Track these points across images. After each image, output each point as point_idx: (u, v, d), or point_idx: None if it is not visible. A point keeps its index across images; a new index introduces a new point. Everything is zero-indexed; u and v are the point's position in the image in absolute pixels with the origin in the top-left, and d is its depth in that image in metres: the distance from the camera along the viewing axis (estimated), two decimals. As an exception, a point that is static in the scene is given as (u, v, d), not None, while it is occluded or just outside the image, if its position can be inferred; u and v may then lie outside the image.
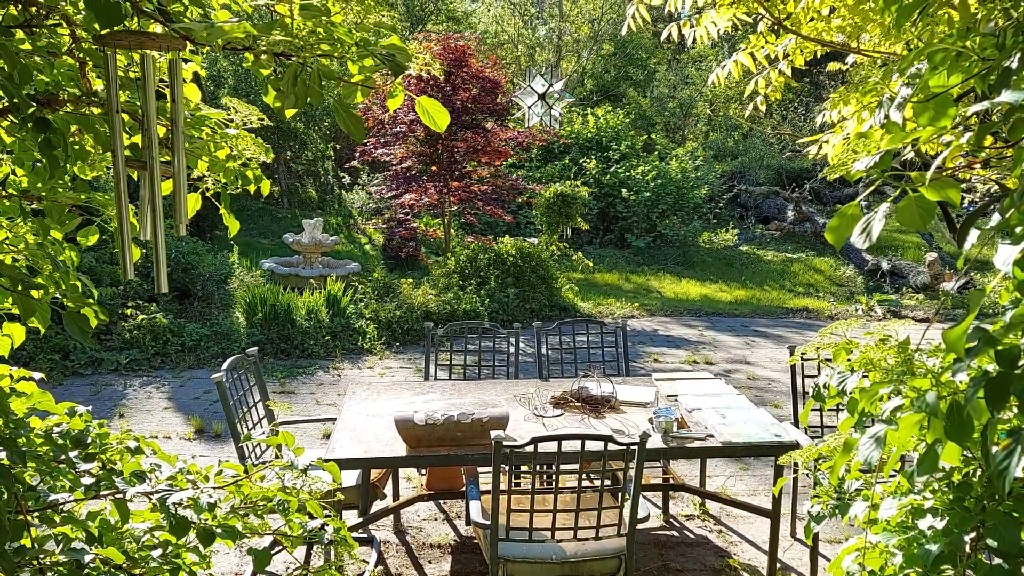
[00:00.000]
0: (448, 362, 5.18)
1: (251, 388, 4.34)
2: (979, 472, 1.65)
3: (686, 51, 24.42)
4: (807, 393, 4.71)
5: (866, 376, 1.84)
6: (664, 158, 18.14)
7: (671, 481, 4.81)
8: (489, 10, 25.06)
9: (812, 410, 4.74)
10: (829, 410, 4.70)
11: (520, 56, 23.84)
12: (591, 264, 13.41)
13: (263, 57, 1.57)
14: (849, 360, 1.91)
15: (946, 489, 1.70)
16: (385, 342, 9.05)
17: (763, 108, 3.24)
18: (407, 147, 11.55)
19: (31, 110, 1.85)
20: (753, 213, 18.21)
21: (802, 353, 2.36)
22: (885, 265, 13.48)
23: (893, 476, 1.91)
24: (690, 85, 23.34)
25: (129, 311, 8.27)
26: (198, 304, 9.43)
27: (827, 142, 2.76)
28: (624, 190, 15.57)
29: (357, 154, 12.85)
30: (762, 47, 2.93)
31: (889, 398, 1.65)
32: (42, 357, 7.54)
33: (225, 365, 4.07)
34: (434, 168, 11.43)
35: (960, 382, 1.50)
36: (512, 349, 5.15)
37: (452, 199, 11.33)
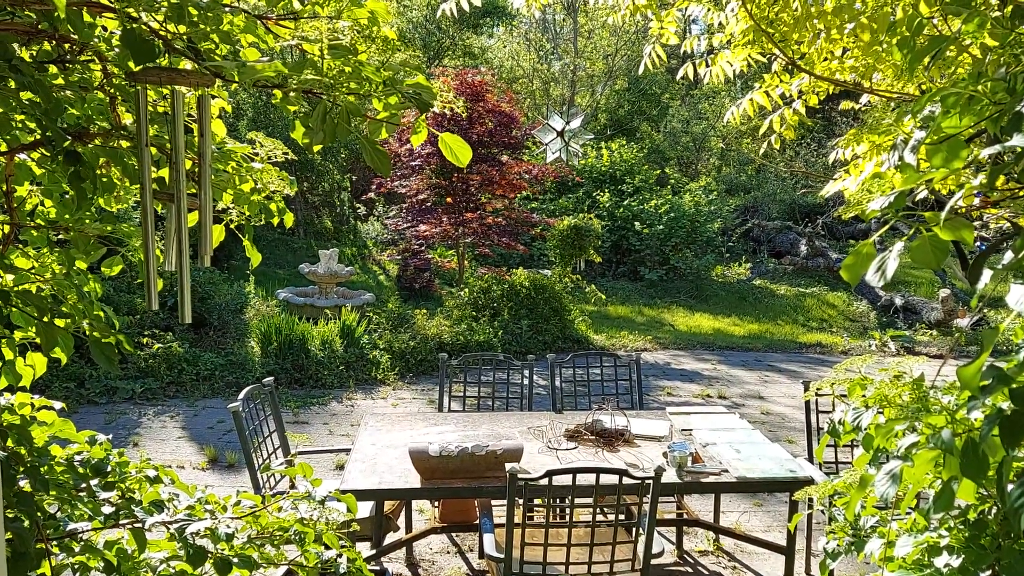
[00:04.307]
0: (462, 393, 5.19)
1: (266, 418, 4.36)
2: (995, 510, 1.66)
3: (699, 87, 24.61)
4: (821, 429, 4.69)
5: (881, 412, 1.85)
6: (677, 192, 18.21)
7: (685, 516, 4.79)
8: (505, 46, 25.38)
9: (827, 446, 4.72)
10: (844, 446, 4.67)
11: (535, 90, 24.10)
12: (604, 296, 13.43)
13: (292, 95, 1.62)
14: (864, 396, 1.92)
15: (962, 527, 1.70)
16: (399, 373, 9.07)
17: (777, 146, 3.28)
18: (423, 179, 11.66)
19: (65, 144, 1.90)
20: (766, 247, 18.23)
21: (816, 388, 2.37)
22: (898, 301, 13.43)
23: (909, 513, 1.91)
24: (703, 120, 23.49)
25: (145, 340, 8.33)
26: (213, 333, 9.48)
27: (839, 178, 2.79)
28: (637, 223, 15.62)
29: (373, 186, 12.99)
30: (776, 86, 2.98)
31: (904, 434, 1.66)
32: (57, 385, 7.59)
33: (242, 395, 4.10)
34: (449, 200, 11.52)
35: (975, 419, 1.51)
36: (526, 381, 5.16)
37: (466, 231, 11.40)
